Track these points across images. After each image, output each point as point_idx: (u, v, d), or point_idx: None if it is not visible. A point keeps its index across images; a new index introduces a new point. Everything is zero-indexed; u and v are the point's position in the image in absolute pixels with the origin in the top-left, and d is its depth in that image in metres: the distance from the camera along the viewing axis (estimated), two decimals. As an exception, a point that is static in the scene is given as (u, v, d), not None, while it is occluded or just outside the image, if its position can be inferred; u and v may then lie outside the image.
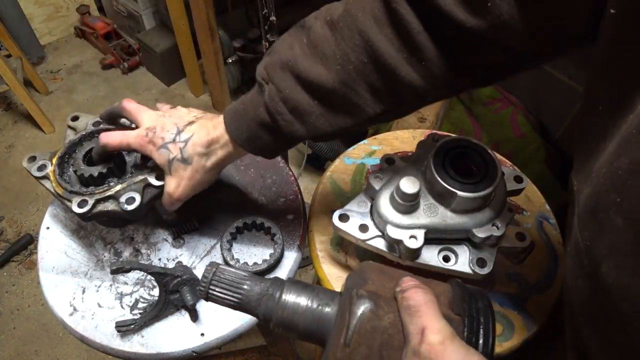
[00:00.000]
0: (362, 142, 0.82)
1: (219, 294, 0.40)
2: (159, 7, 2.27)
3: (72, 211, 0.57)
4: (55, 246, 0.69)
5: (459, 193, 0.52)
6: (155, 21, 2.34)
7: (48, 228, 0.71)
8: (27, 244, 1.76)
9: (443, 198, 0.54)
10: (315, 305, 0.39)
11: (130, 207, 0.57)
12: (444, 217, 0.54)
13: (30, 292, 1.67)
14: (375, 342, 0.35)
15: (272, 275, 0.64)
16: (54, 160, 0.61)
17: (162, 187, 0.59)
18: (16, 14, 2.27)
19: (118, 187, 0.59)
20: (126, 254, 0.68)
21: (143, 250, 0.68)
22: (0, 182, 1.99)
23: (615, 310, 0.32)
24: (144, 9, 2.27)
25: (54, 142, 2.13)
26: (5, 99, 2.30)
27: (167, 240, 0.69)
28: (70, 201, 0.57)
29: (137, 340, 0.59)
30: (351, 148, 0.81)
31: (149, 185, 0.60)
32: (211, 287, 0.40)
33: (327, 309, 0.39)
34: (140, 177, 0.60)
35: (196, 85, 2.26)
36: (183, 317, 0.61)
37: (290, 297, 0.39)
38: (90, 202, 0.57)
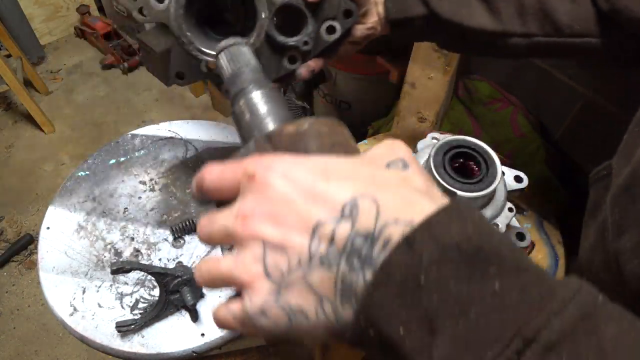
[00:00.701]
0: (362, 142, 0.82)
1: (222, 60, 0.39)
2: (159, 7, 2.27)
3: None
4: (56, 246, 0.69)
5: (459, 193, 0.52)
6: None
7: (48, 228, 0.71)
8: (27, 244, 1.76)
9: (443, 198, 0.54)
10: (268, 115, 0.36)
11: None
12: (444, 217, 0.55)
13: (30, 292, 1.67)
14: (335, 135, 0.31)
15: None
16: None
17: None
18: (16, 14, 2.27)
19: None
20: (126, 254, 0.68)
21: (143, 251, 0.68)
22: (0, 182, 1.99)
23: (620, 278, 0.35)
24: (144, 9, 2.27)
25: (54, 142, 2.13)
26: (5, 99, 2.30)
27: (167, 241, 0.69)
28: None
29: (137, 340, 0.59)
30: (351, 148, 0.81)
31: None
32: (221, 52, 0.39)
33: (269, 122, 0.35)
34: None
35: (196, 85, 2.26)
36: (183, 317, 0.61)
37: (261, 101, 0.36)
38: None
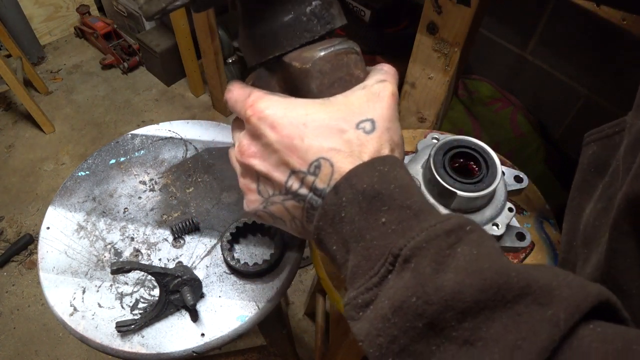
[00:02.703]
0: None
1: None
2: (159, 7, 2.27)
3: None
4: (56, 246, 0.69)
5: (459, 193, 0.52)
6: (155, 21, 2.34)
7: (48, 228, 0.71)
8: (27, 244, 1.77)
9: (443, 198, 0.54)
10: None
11: None
12: (444, 217, 0.55)
13: (30, 292, 1.67)
14: (338, 71, 0.35)
15: (272, 276, 0.64)
16: None
17: None
18: (16, 14, 2.27)
19: None
20: (126, 254, 0.68)
21: (143, 251, 0.68)
22: (0, 182, 1.99)
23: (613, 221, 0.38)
24: (144, 9, 2.27)
25: (54, 142, 2.13)
26: (5, 99, 2.30)
27: (167, 241, 0.69)
28: None
29: (137, 340, 0.59)
30: (351, 148, 0.81)
31: None
32: None
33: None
34: None
35: (196, 85, 2.26)
36: (183, 317, 0.61)
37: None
38: None
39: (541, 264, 0.27)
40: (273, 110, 0.33)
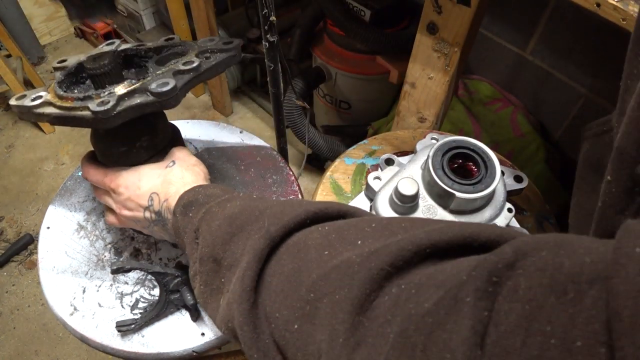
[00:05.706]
0: (362, 142, 0.83)
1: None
2: (159, 7, 2.27)
3: (90, 120, 0.48)
4: (56, 246, 0.69)
5: (457, 194, 0.52)
6: (155, 21, 2.34)
7: (48, 228, 0.71)
8: (27, 244, 1.76)
9: (442, 199, 0.54)
10: None
11: (166, 89, 0.48)
12: (443, 218, 0.55)
13: (30, 292, 1.67)
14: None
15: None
16: (52, 86, 0.53)
17: (196, 68, 0.52)
18: (16, 14, 2.27)
19: (142, 82, 0.51)
20: (126, 253, 0.68)
21: (143, 250, 0.68)
22: (0, 182, 1.99)
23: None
24: (144, 9, 2.27)
25: (54, 142, 2.13)
26: (5, 99, 2.30)
27: (167, 241, 0.69)
28: (86, 108, 0.47)
29: (137, 340, 0.59)
30: (351, 148, 0.81)
31: (180, 71, 0.52)
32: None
33: None
34: (166, 69, 0.53)
35: (196, 85, 2.26)
36: (183, 316, 0.61)
37: None
38: (112, 99, 0.47)
39: (284, 200, 0.46)
40: (123, 181, 0.55)
